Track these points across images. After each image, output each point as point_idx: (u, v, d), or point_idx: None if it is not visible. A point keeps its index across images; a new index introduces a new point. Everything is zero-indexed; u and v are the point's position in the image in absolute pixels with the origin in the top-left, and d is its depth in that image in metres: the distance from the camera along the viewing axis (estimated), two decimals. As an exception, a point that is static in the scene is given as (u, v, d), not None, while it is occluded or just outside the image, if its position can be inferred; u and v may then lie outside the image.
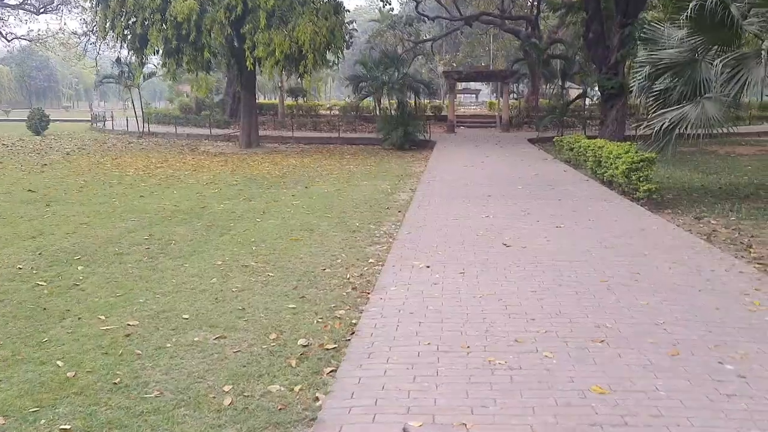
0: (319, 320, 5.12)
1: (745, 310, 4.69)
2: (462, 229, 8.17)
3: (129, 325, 5.05)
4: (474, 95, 59.94)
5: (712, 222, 8.60)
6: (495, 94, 47.28)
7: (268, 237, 8.34)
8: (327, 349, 4.45)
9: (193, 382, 4.00)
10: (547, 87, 38.61)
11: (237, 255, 7.38)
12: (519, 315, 4.58)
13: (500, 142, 24.24)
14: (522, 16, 34.02)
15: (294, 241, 8.11)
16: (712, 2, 9.16)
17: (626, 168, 10.06)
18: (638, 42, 21.50)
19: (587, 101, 30.67)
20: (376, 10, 40.14)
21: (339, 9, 23.39)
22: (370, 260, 7.04)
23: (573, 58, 28.29)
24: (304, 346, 4.54)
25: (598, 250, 6.72)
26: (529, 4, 35.64)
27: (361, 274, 6.48)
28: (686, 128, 9.80)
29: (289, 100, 39.53)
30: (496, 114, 34.08)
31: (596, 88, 30.72)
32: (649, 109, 11.16)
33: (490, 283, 5.50)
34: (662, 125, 9.87)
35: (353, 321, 5.04)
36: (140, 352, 4.47)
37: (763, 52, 8.51)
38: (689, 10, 9.29)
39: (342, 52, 24.68)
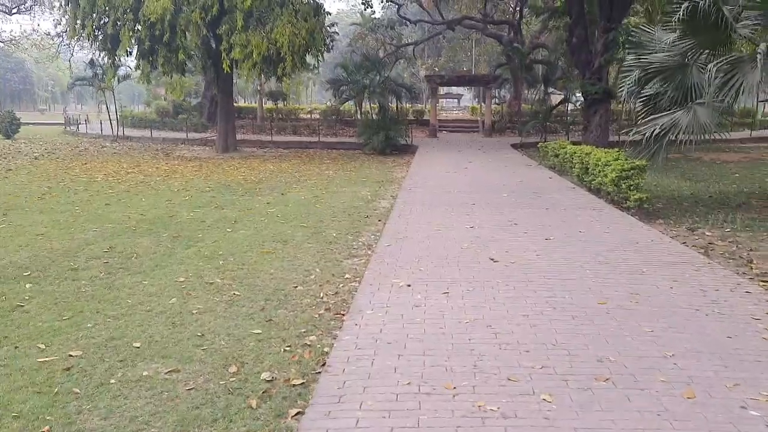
0: (287, 348, 4.57)
1: (760, 338, 4.23)
2: (445, 241, 7.67)
3: (71, 355, 4.47)
4: (456, 100, 59.71)
5: (707, 234, 8.20)
6: (477, 99, 47.05)
7: (238, 249, 7.76)
8: (294, 386, 3.90)
9: (135, 429, 3.43)
10: (530, 92, 38.41)
11: (202, 270, 6.80)
12: (511, 346, 4.06)
13: (483, 147, 23.85)
14: (504, 21, 33.76)
15: (265, 254, 7.54)
16: (705, 4, 8.80)
17: (616, 176, 9.65)
18: (625, 47, 21.40)
19: (570, 106, 30.42)
20: (358, 14, 39.70)
21: (319, 11, 22.86)
22: (347, 276, 6.50)
23: (556, 63, 28.02)
24: (268, 381, 3.99)
25: (592, 265, 6.24)
26: (511, 9, 35.40)
27: (336, 292, 5.94)
28: (677, 135, 9.42)
29: (269, 104, 38.86)
30: (479, 119, 33.75)
31: (579, 94, 30.59)
32: (638, 114, 10.77)
33: (478, 305, 4.98)
34: (653, 131, 9.47)
35: (325, 349, 4.50)
36: (78, 391, 3.89)
37: (758, 55, 8.15)
38: (681, 12, 8.91)
39: (322, 55, 24.13)
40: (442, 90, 56.53)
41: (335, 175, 16.20)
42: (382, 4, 36.68)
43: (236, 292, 5.96)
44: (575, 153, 12.77)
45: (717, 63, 8.75)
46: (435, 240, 7.69)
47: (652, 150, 9.69)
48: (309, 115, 37.24)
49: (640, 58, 10.45)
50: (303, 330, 4.94)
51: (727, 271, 6.12)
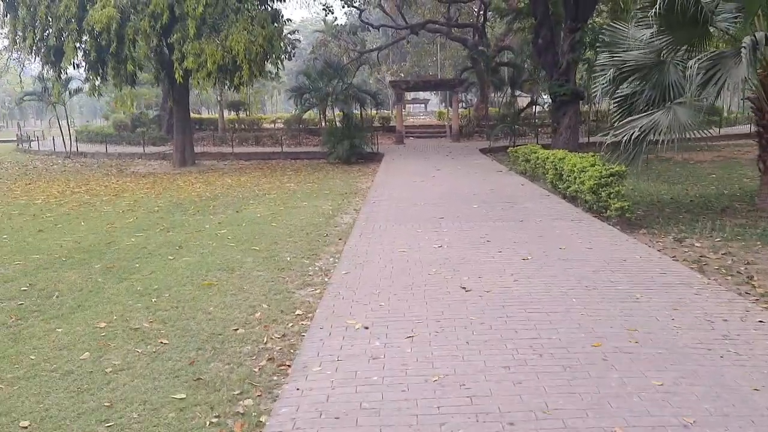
0: (214, 419, 3.67)
1: (793, 388, 3.46)
2: (411, 264, 6.81)
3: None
4: (423, 105, 59.12)
5: (697, 245, 7.51)
6: (444, 104, 46.55)
7: (177, 282, 6.80)
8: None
9: None
10: (496, 95, 38.00)
11: (130, 311, 5.84)
12: (491, 416, 3.20)
13: (451, 153, 23.15)
14: (468, 24, 33.26)
15: (207, 286, 6.60)
16: (682, -4, 8.16)
17: (594, 183, 8.93)
18: (594, 46, 20.92)
19: (537, 109, 30.02)
20: (322, 22, 38.82)
21: (277, 17, 21.94)
22: (298, 312, 5.61)
23: (522, 66, 27.58)
24: (183, 476, 3.08)
25: (578, 292, 5.45)
26: (475, 12, 34.92)
27: (284, 335, 5.05)
28: (657, 136, 8.76)
29: (231, 114, 37.71)
30: (446, 124, 33.13)
31: (546, 96, 30.19)
32: (613, 115, 10.11)
33: (448, 354, 4.12)
34: (632, 134, 8.79)
35: (261, 418, 3.61)
36: None
37: (743, 50, 7.51)
38: (658, 6, 8.26)
39: (282, 63, 23.22)
40: (409, 96, 55.87)
41: (297, 188, 15.27)
42: (344, 11, 35.98)
43: (164, 340, 5.02)
44: (548, 158, 12.08)
45: (698, 59, 8.11)
46: (399, 264, 6.83)
47: (631, 154, 9.01)
48: (273, 125, 36.17)
49: (613, 57, 9.80)
50: (237, 391, 4.03)
51: (730, 293, 5.38)
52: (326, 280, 6.62)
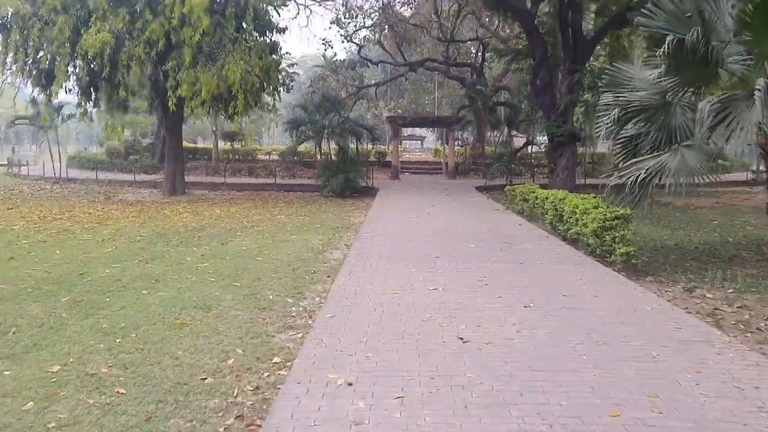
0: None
1: None
2: (403, 308, 6.27)
3: None
4: (419, 141, 59.26)
5: (708, 296, 7.02)
6: (440, 141, 46.51)
7: (146, 320, 6.23)
8: None
9: None
10: (492, 134, 37.96)
11: (89, 353, 5.27)
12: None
13: (447, 190, 22.78)
14: (467, 64, 33.34)
15: (178, 326, 6.03)
16: (693, 37, 7.86)
17: (598, 226, 8.47)
18: (595, 87, 20.78)
19: (533, 149, 29.87)
20: (321, 57, 38.91)
21: (275, 49, 21.80)
22: (275, 359, 5.06)
23: (519, 106, 27.50)
24: None
25: (589, 347, 4.92)
26: (473, 51, 35.08)
27: (257, 387, 4.50)
28: (663, 180, 8.36)
29: (228, 145, 37.43)
30: (442, 161, 32.91)
31: (542, 136, 30.06)
32: (617, 156, 9.73)
33: (443, 421, 3.55)
34: (637, 176, 8.38)
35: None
36: None
37: (757, 92, 7.17)
38: (666, 45, 7.94)
39: (278, 95, 22.97)
40: (406, 132, 56.00)
41: (287, 221, 14.77)
42: (344, 46, 36.02)
43: (121, 390, 4.44)
44: (547, 198, 11.66)
45: (709, 101, 7.75)
46: (390, 307, 6.29)
47: (636, 196, 8.58)
48: (267, 156, 35.87)
49: (618, 97, 9.46)
50: (197, 458, 3.46)
51: (755, 353, 4.87)
52: (310, 322, 6.08)
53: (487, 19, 32.28)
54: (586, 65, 21.35)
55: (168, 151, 22.41)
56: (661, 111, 9.17)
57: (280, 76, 25.24)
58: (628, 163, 8.94)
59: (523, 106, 26.94)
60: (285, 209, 17.67)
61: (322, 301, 6.92)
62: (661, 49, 8.08)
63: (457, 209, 16.24)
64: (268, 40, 21.49)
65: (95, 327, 6.05)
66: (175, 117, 21.39)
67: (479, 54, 32.11)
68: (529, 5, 22.03)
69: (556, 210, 10.86)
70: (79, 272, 8.68)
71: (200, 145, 38.07)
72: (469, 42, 33.21)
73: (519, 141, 31.72)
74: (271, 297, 7.18)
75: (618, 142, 9.71)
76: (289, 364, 4.93)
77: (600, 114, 9.73)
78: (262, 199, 20.93)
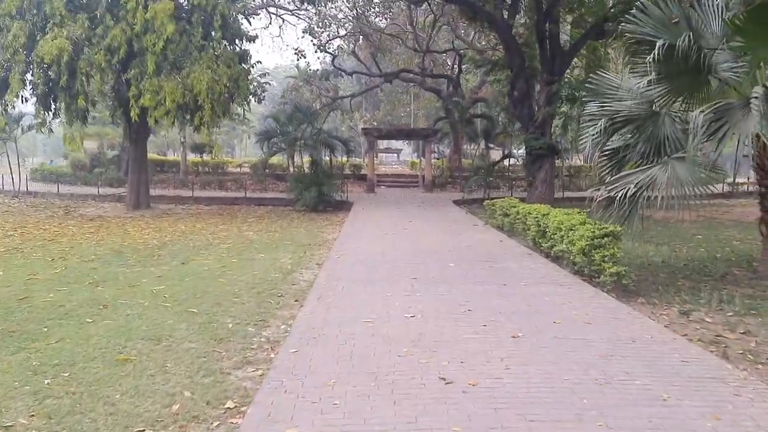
0: None
1: None
2: (377, 341, 5.58)
3: None
4: (396, 154, 58.76)
5: (707, 320, 6.48)
6: (416, 154, 46.06)
7: (85, 356, 5.46)
8: None
9: None
10: (469, 147, 37.58)
11: (11, 397, 4.55)
12: None
13: (424, 204, 22.21)
14: (443, 75, 32.98)
15: (121, 362, 5.28)
16: (683, 42, 7.39)
17: (586, 244, 7.91)
18: (576, 99, 20.46)
19: (511, 162, 29.52)
20: (295, 68, 38.22)
21: (245, 58, 21.05)
22: (228, 404, 4.35)
23: (496, 118, 27.14)
24: None
25: (589, 387, 4.28)
26: (449, 64, 34.72)
27: (204, 442, 3.77)
28: (655, 193, 7.86)
29: (197, 157, 36.40)
30: (419, 174, 32.39)
31: (521, 149, 29.74)
32: (602, 169, 9.22)
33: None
34: (627, 190, 7.86)
35: None
36: None
37: (754, 100, 6.70)
38: (656, 51, 7.46)
39: (248, 105, 22.24)
40: (382, 144, 55.41)
41: (256, 237, 14.00)
42: (317, 57, 35.48)
43: (37, 451, 3.68)
44: (530, 213, 11.11)
45: (702, 111, 7.27)
46: (362, 340, 5.59)
47: (626, 212, 8.05)
48: (238, 169, 34.94)
49: (604, 106, 8.97)
50: None
51: (774, 391, 4.30)
52: (272, 356, 5.37)
53: (462, 31, 32.04)
54: (564, 76, 21.07)
55: (132, 164, 21.45)
56: (649, 121, 8.69)
57: (251, 86, 24.58)
58: (616, 176, 8.42)
59: (500, 119, 26.56)
60: (254, 224, 16.89)
61: (288, 329, 6.21)
62: (651, 56, 7.60)
63: (435, 225, 15.64)
64: (237, 49, 20.76)
65: (24, 364, 5.26)
66: (139, 128, 20.48)
67: (455, 65, 31.76)
68: (505, 15, 21.70)
69: (540, 226, 10.31)
70: (20, 297, 7.85)
71: (170, 157, 36.98)
72: (445, 54, 32.86)
73: (496, 154, 31.39)
74: (230, 325, 6.45)
75: (603, 154, 9.20)
76: (244, 409, 4.22)
77: (585, 124, 9.22)
78: (230, 214, 20.10)
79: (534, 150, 20.62)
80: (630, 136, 8.69)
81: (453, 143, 33.68)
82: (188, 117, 18.96)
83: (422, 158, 35.52)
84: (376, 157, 46.62)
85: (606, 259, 7.61)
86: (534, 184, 21.11)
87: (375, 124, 42.78)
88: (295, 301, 7.63)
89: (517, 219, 12.07)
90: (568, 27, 23.58)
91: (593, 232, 7.85)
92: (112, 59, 17.38)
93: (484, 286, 7.89)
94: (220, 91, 17.79)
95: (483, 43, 30.51)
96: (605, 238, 7.69)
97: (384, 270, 9.16)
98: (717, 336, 5.88)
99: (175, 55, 17.88)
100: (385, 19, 32.32)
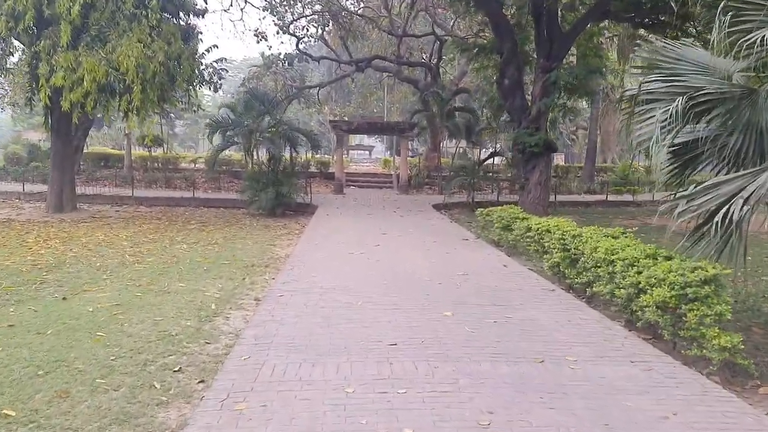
0: None
1: None
2: None
3: None
4: (368, 152, 55.56)
5: None
6: (389, 152, 42.97)
7: None
8: None
9: None
10: (447, 144, 34.62)
11: None
12: None
13: (400, 208, 19.17)
14: (421, 63, 29.93)
15: None
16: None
17: (675, 295, 4.93)
18: (573, 89, 17.66)
19: (494, 160, 26.65)
20: (260, 57, 34.79)
21: (191, 35, 17.76)
22: None
23: (480, 111, 24.24)
24: None
25: None
26: (426, 56, 31.56)
27: None
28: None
29: (145, 151, 32.69)
30: (393, 173, 29.34)
31: (498, 146, 26.93)
32: (670, 173, 6.30)
33: None
34: (729, 208, 4.93)
35: None
36: None
37: None
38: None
39: (195, 90, 18.91)
40: (354, 141, 52.18)
41: (186, 253, 10.82)
42: (280, 39, 32.22)
43: None
44: (548, 231, 8.14)
45: None
46: None
47: (722, 241, 5.14)
48: (193, 165, 31.41)
49: (675, 82, 6.04)
50: None
51: None
52: None
53: (441, 19, 29.11)
54: (563, 63, 18.25)
55: (54, 158, 17.97)
56: (745, 104, 5.80)
57: (206, 72, 21.29)
58: (701, 186, 5.48)
59: (484, 113, 23.64)
60: (193, 233, 13.67)
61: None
62: None
63: (415, 238, 12.59)
64: (182, 23, 17.47)
65: None
66: (61, 114, 16.99)
67: (434, 56, 28.74)
68: (496, -11, 18.74)
69: (567, 251, 7.35)
70: None
71: (117, 150, 33.29)
72: (423, 40, 29.83)
73: (476, 152, 28.50)
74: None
75: (669, 150, 6.27)
76: None
77: (643, 109, 6.28)
78: (170, 218, 16.80)
79: (528, 147, 17.74)
80: (720, 122, 5.77)
81: (431, 139, 30.72)
82: (118, 102, 15.54)
83: (396, 156, 32.48)
84: (347, 154, 43.43)
85: (707, 320, 4.66)
86: (527, 187, 18.24)
87: (345, 118, 39.59)
88: (200, 382, 4.59)
89: (527, 237, 9.08)
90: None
91: (683, 275, 4.88)
92: (16, 27, 13.99)
93: (510, 366, 4.83)
94: (154, 71, 14.49)
95: (464, 30, 27.61)
96: (705, 287, 4.73)
97: (345, 326, 6.02)
98: None
99: (99, 25, 14.57)
100: (358, 2, 29.19)
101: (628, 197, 24.12)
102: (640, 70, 7.21)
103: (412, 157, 33.67)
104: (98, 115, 17.82)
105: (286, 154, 19.87)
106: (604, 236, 6.86)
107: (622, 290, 5.68)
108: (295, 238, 13.11)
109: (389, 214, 17.39)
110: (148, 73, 14.38)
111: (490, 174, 25.30)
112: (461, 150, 25.68)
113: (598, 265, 6.33)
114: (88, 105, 14.36)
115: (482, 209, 12.53)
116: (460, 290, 7.48)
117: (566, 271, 7.42)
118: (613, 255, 6.03)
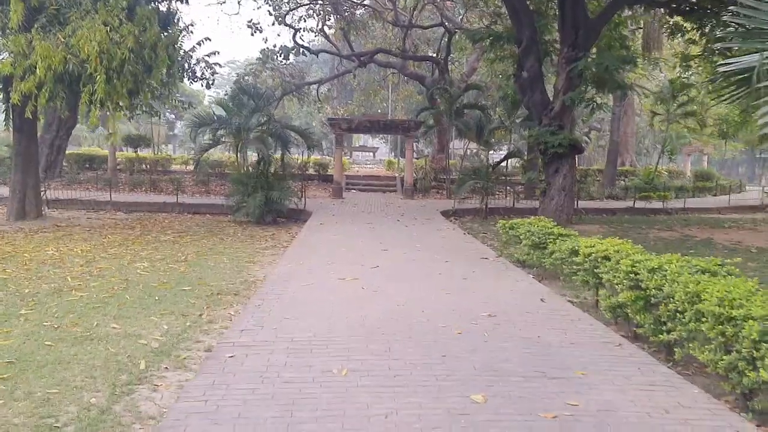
0: None
1: None
2: None
3: None
4: (371, 153, 53.27)
5: None
6: (394, 153, 40.82)
7: None
8: None
9: None
10: (455, 145, 32.50)
11: None
12: None
13: (404, 216, 17.08)
14: (428, 57, 27.83)
15: None
16: None
17: None
18: (602, 82, 15.57)
19: (508, 162, 24.52)
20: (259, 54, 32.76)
21: (169, 21, 15.68)
22: None
23: (493, 109, 22.17)
24: None
25: None
26: (435, 48, 29.46)
27: None
28: None
29: (132, 152, 30.73)
30: (397, 176, 27.22)
31: (506, 146, 24.81)
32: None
33: None
34: None
35: None
36: None
37: None
38: None
39: (174, 82, 16.84)
40: (358, 142, 50.05)
41: (143, 275, 8.76)
42: (276, 31, 29.93)
43: None
44: (606, 258, 6.02)
45: None
46: None
47: None
48: (183, 167, 29.41)
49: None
50: None
51: None
52: None
53: (450, 11, 27.07)
54: (591, 52, 16.15)
55: (16, 159, 15.91)
56: None
57: (199, 68, 19.36)
58: None
59: (497, 109, 21.55)
60: (163, 246, 11.61)
61: None
62: None
63: (422, 256, 10.48)
64: (159, 6, 15.44)
65: None
66: (22, 111, 14.97)
67: (442, 49, 26.64)
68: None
69: (642, 288, 5.24)
70: None
71: (104, 151, 31.27)
72: (431, 34, 27.74)
73: (482, 154, 26.34)
74: None
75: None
76: None
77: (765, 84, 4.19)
78: (145, 227, 14.76)
79: (550, 148, 15.65)
80: None
81: (438, 139, 28.61)
82: (79, 93, 13.46)
83: (401, 157, 30.37)
84: (349, 155, 41.34)
85: None
86: (548, 193, 16.16)
87: (346, 116, 37.50)
88: None
89: (574, 264, 6.94)
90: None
91: None
92: (-43, 5, 12.01)
93: None
94: (121, 57, 12.42)
95: (475, 23, 25.55)
96: None
97: (313, 427, 3.91)
98: None
99: (58, 5, 12.56)
100: (360, -7, 27.13)
101: (656, 204, 21.97)
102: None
103: (417, 158, 31.56)
104: (66, 113, 15.70)
105: (278, 155, 17.84)
106: (698, 271, 4.75)
107: (744, 356, 3.57)
108: (281, 251, 11.08)
109: (392, 224, 15.29)
110: (115, 60, 12.32)
111: (504, 177, 23.21)
112: (471, 151, 23.59)
113: (701, 319, 4.22)
114: (42, 97, 12.32)
115: (504, 221, 10.41)
116: (490, 346, 5.35)
117: (638, 317, 5.30)
118: (731, 308, 3.92)
